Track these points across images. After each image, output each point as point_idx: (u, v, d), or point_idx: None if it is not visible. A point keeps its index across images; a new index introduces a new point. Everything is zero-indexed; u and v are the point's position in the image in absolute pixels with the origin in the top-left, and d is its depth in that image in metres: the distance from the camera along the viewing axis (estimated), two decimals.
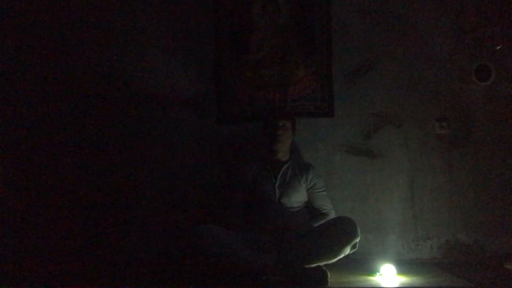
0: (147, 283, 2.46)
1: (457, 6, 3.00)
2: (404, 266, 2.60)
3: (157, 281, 2.49)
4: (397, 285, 2.32)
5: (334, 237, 2.33)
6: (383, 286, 2.32)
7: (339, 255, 2.35)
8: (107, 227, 2.94)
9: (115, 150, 3.00)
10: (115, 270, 2.77)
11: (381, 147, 2.98)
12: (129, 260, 2.89)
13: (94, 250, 2.92)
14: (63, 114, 3.03)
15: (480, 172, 2.93)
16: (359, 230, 2.35)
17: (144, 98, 3.03)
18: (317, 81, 3.00)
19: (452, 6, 3.00)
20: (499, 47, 2.96)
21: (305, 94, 3.00)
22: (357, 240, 2.35)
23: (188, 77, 3.04)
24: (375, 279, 2.43)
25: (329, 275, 2.28)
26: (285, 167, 2.69)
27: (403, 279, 2.40)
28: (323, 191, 2.70)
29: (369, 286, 2.31)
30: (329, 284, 2.26)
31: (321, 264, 2.34)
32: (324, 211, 2.65)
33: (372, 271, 2.50)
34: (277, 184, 2.64)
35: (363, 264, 2.66)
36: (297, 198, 2.63)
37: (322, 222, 2.52)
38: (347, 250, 2.36)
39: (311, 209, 2.68)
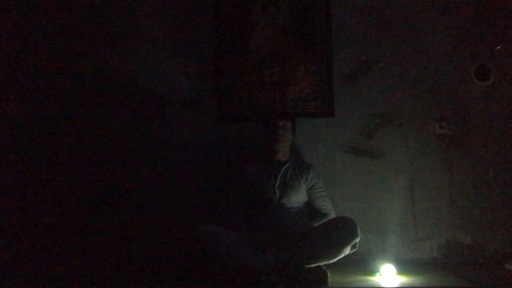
0: (147, 283, 2.46)
1: (457, 6, 3.00)
2: (404, 266, 2.60)
3: (157, 281, 2.49)
4: (397, 285, 2.32)
5: (334, 237, 2.33)
6: (383, 286, 2.32)
7: (339, 255, 2.35)
8: (107, 227, 2.94)
9: (115, 150, 3.00)
10: (115, 270, 2.77)
11: (381, 147, 2.98)
12: (129, 260, 2.89)
13: (94, 250, 2.91)
14: (63, 114, 3.03)
15: (480, 172, 2.93)
16: (359, 230, 2.35)
17: (144, 98, 3.03)
18: (317, 81, 3.00)
19: (452, 6, 3.00)
20: (499, 47, 2.96)
21: (305, 94, 3.00)
22: (357, 240, 2.35)
23: (188, 77, 3.04)
24: (375, 279, 2.43)
25: (329, 275, 2.28)
26: (285, 167, 2.69)
27: (403, 279, 2.40)
28: (323, 191, 2.70)
29: (369, 286, 2.31)
30: (329, 284, 2.26)
31: (321, 264, 2.34)
32: (324, 211, 2.64)
33: (372, 271, 2.50)
34: (277, 184, 2.64)
35: (363, 264, 2.67)
36: (297, 198, 2.63)
37: (322, 222, 2.52)
38: (347, 250, 2.36)
39: (311, 209, 2.68)
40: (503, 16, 2.97)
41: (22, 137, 3.02)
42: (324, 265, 2.34)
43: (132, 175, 2.98)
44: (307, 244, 2.33)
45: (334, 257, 2.35)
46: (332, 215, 2.63)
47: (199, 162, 2.98)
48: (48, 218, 2.95)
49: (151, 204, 2.97)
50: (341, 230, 2.35)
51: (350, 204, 2.93)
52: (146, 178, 2.98)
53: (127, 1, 3.08)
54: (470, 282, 2.33)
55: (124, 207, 2.96)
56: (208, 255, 2.30)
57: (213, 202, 2.91)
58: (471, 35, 2.99)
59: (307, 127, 2.97)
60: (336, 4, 3.02)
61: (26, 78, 3.05)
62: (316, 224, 2.51)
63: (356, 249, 2.39)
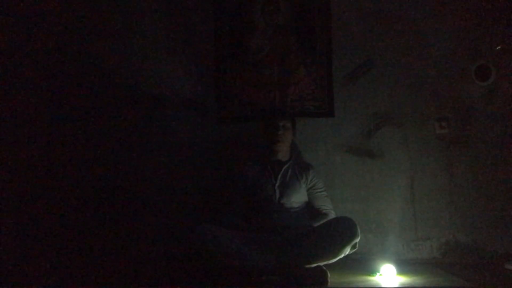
0: (147, 283, 2.46)
1: (457, 6, 3.00)
2: (404, 266, 2.60)
3: (157, 281, 2.49)
4: (397, 285, 2.32)
5: (334, 237, 2.33)
6: (383, 286, 2.32)
7: (339, 255, 2.35)
8: (106, 227, 2.94)
9: (115, 150, 3.00)
10: (115, 270, 2.77)
11: (381, 147, 2.98)
12: (129, 260, 2.89)
13: (93, 250, 2.91)
14: (63, 114, 3.03)
15: (480, 172, 2.93)
16: (359, 230, 2.35)
17: (144, 98, 3.03)
18: (317, 81, 3.00)
19: (452, 6, 3.00)
20: (499, 47, 2.96)
21: (305, 94, 3.00)
22: (357, 240, 2.35)
23: (188, 77, 3.04)
24: (375, 279, 2.43)
25: (329, 275, 2.28)
26: (285, 167, 2.69)
27: (403, 279, 2.40)
28: (323, 191, 2.70)
29: (369, 286, 2.31)
30: (329, 284, 2.26)
31: (321, 264, 2.34)
32: (324, 211, 2.65)
33: (372, 271, 2.50)
34: (277, 184, 2.64)
35: (363, 264, 2.67)
36: (297, 199, 2.63)
37: (322, 222, 2.52)
38: (347, 250, 2.36)
39: (311, 209, 2.68)
40: (503, 16, 2.97)
41: (22, 137, 3.02)
42: (324, 265, 2.34)
43: (132, 175, 2.98)
44: (307, 244, 2.33)
45: (334, 257, 2.34)
46: (332, 215, 2.63)
47: (199, 162, 2.98)
48: (48, 218, 2.95)
49: (151, 204, 2.97)
50: (341, 230, 2.34)
51: (350, 204, 2.93)
52: (146, 178, 2.98)
53: (127, 1, 3.08)
54: (470, 282, 2.33)
55: (124, 207, 2.96)
56: (208, 255, 2.30)
57: (213, 202, 2.91)
58: (471, 35, 2.99)
59: (307, 127, 2.97)
60: (336, 4, 3.02)
61: (26, 78, 3.05)
62: (316, 224, 2.51)
63: (356, 249, 2.39)
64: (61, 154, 3.00)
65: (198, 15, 3.06)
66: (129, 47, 3.05)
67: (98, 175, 2.98)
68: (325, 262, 2.35)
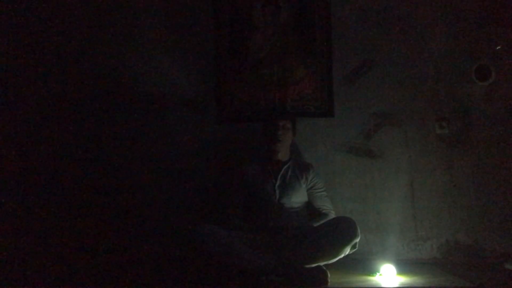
0: (147, 283, 2.46)
1: (457, 6, 3.00)
2: (404, 266, 2.60)
3: (157, 281, 2.49)
4: (397, 285, 2.32)
5: (334, 237, 2.33)
6: (383, 286, 2.32)
7: (339, 255, 2.35)
8: (106, 227, 2.94)
9: (115, 149, 3.00)
10: (115, 270, 2.77)
11: (381, 147, 2.98)
12: (129, 260, 2.89)
13: (93, 250, 2.91)
14: (63, 114, 3.03)
15: (480, 172, 2.93)
16: (359, 230, 2.36)
17: (144, 98, 3.03)
18: (317, 81, 3.00)
19: (452, 6, 3.00)
20: (499, 47, 2.96)
21: (305, 94, 3.00)
22: (357, 240, 2.36)
23: (188, 77, 3.04)
24: (375, 279, 2.43)
25: (329, 275, 2.28)
26: (285, 167, 2.69)
27: (403, 279, 2.40)
28: (323, 191, 2.70)
29: (369, 286, 2.31)
30: (329, 284, 2.26)
31: (321, 264, 2.34)
32: (324, 211, 2.65)
33: (372, 271, 2.50)
34: (277, 184, 2.64)
35: (363, 264, 2.66)
36: (297, 199, 2.63)
37: (322, 222, 2.52)
38: (347, 250, 2.36)
39: (311, 209, 2.68)
40: (503, 16, 2.97)
41: (22, 137, 3.02)
42: (324, 265, 2.34)
43: (132, 175, 2.98)
44: (307, 244, 2.33)
45: (334, 257, 2.35)
46: (332, 215, 2.63)
47: (199, 162, 2.98)
48: (48, 218, 2.95)
49: (151, 204, 2.97)
50: (341, 230, 2.35)
51: (350, 204, 2.93)
52: (146, 178, 2.98)
53: (127, 1, 3.08)
54: (470, 282, 2.33)
55: (123, 207, 2.96)
56: (208, 255, 2.30)
57: (213, 202, 2.91)
58: (471, 35, 2.99)
59: (307, 127, 2.97)
60: (336, 4, 3.02)
61: (26, 78, 3.05)
62: (316, 224, 2.51)
63: (356, 249, 2.40)
64: (60, 154, 3.00)
65: (198, 15, 3.06)
66: (129, 47, 3.05)
67: (97, 175, 2.98)
68: (325, 262, 2.35)
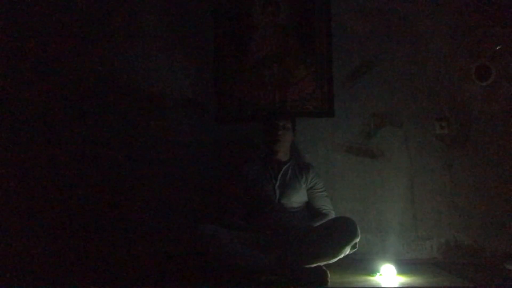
0: (147, 283, 2.46)
1: (456, 6, 3.00)
2: (404, 266, 2.60)
3: (157, 281, 2.49)
4: (397, 285, 2.32)
5: (334, 237, 2.33)
6: (383, 286, 2.32)
7: (339, 255, 2.35)
8: (106, 227, 2.94)
9: (115, 149, 3.00)
10: (115, 270, 2.77)
11: (381, 147, 2.98)
12: (129, 260, 2.89)
13: (93, 250, 2.91)
14: (62, 114, 3.03)
15: (480, 172, 2.93)
16: (359, 230, 2.35)
17: (144, 98, 3.03)
18: (317, 81, 3.00)
19: (452, 6, 3.00)
20: (499, 47, 2.96)
21: (305, 94, 3.00)
22: (357, 240, 2.35)
23: (188, 77, 3.04)
24: (375, 279, 2.43)
25: (329, 275, 2.28)
26: (285, 167, 2.69)
27: (403, 279, 2.40)
28: (323, 191, 2.70)
29: (369, 286, 2.31)
30: (329, 284, 2.26)
31: (321, 264, 2.34)
32: (324, 211, 2.64)
33: (372, 271, 2.50)
34: (277, 184, 2.64)
35: (363, 264, 2.66)
36: (297, 199, 2.63)
37: (322, 222, 2.52)
38: (347, 250, 2.36)
39: (311, 209, 2.68)
40: (503, 15, 2.97)
41: (22, 136, 3.02)
42: (324, 265, 2.34)
43: (131, 175, 2.98)
44: (307, 244, 2.33)
45: (334, 257, 2.35)
46: (332, 215, 2.63)
47: (199, 162, 2.98)
48: (48, 218, 2.95)
49: (151, 203, 2.97)
50: (341, 230, 2.35)
51: (350, 204, 2.93)
52: (146, 177, 2.98)
53: (127, 0, 3.08)
54: (470, 282, 2.33)
55: (123, 207, 2.96)
56: (208, 255, 2.30)
57: (213, 202, 2.91)
58: (471, 35, 2.99)
59: (307, 127, 2.97)
60: (336, 4, 3.02)
61: (26, 78, 3.05)
62: (316, 224, 2.51)
63: (356, 249, 2.39)
64: (60, 154, 3.00)
65: (198, 15, 3.06)
66: (128, 46, 3.05)
67: (96, 175, 2.98)
68: (325, 262, 2.35)
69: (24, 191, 2.99)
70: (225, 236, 2.35)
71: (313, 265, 2.32)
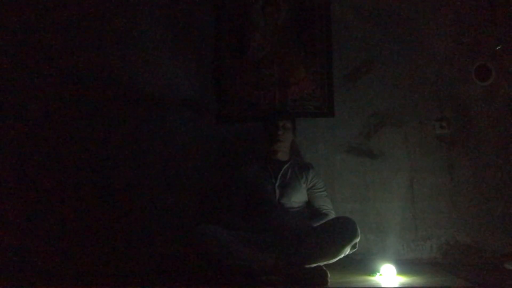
0: (147, 283, 2.46)
1: (457, 6, 3.00)
2: (404, 266, 2.60)
3: (157, 281, 2.49)
4: (397, 285, 2.32)
5: (334, 237, 2.33)
6: (383, 286, 2.32)
7: (339, 255, 2.35)
8: (106, 227, 2.94)
9: (115, 150, 3.00)
10: (115, 270, 2.77)
11: (381, 147, 2.98)
12: (129, 260, 2.89)
13: (93, 250, 2.91)
14: (63, 114, 3.03)
15: (480, 172, 2.93)
16: (359, 230, 2.36)
17: (144, 98, 3.02)
18: (317, 81, 3.00)
19: (452, 6, 3.00)
20: (499, 47, 2.96)
21: (305, 94, 3.00)
22: (357, 240, 2.36)
23: (188, 77, 3.04)
24: (375, 279, 2.43)
25: (329, 275, 2.28)
26: (285, 167, 2.69)
27: (403, 279, 2.40)
28: (323, 191, 2.70)
29: (369, 286, 2.31)
30: (329, 284, 2.26)
31: (321, 264, 2.34)
32: (324, 211, 2.64)
33: (372, 271, 2.50)
34: (277, 184, 2.64)
35: (363, 264, 2.67)
36: (297, 198, 2.63)
37: (322, 222, 2.52)
38: (347, 250, 2.36)
39: (311, 209, 2.68)
40: (503, 16, 2.97)
41: (22, 137, 3.02)
42: (324, 265, 2.34)
43: (131, 175, 2.98)
44: (307, 244, 2.33)
45: (334, 257, 2.35)
46: (332, 215, 2.63)
47: (199, 162, 2.98)
48: (48, 218, 2.95)
49: (151, 204, 2.96)
50: (341, 230, 2.35)
51: (350, 204, 2.93)
52: (146, 178, 2.98)
53: (127, 1, 3.08)
54: (470, 282, 2.33)
55: (123, 207, 2.96)
56: (208, 255, 2.30)
57: (213, 202, 2.91)
58: (471, 35, 2.99)
59: (307, 127, 2.97)
60: (336, 4, 3.03)
61: (25, 78, 3.05)
62: (316, 224, 2.51)
63: (356, 249, 2.40)
64: (60, 154, 3.00)
65: (198, 15, 3.06)
66: (129, 47, 3.05)
67: (96, 175, 2.98)
68: (325, 262, 2.35)
69: (24, 191, 2.98)
70: (225, 236, 2.35)
71: (313, 265, 2.32)
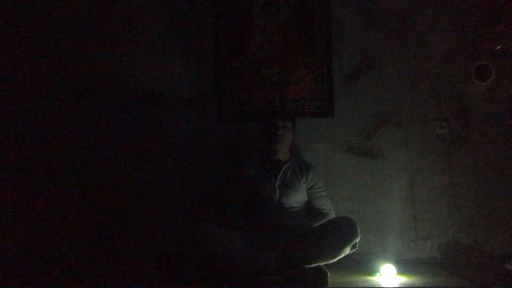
0: (147, 283, 2.46)
1: (457, 6, 3.00)
2: (404, 266, 2.60)
3: (158, 281, 2.49)
4: (397, 285, 2.32)
5: (334, 237, 2.33)
6: (383, 286, 2.32)
7: (339, 255, 2.35)
8: (107, 227, 2.94)
9: (115, 150, 3.00)
10: (115, 270, 2.77)
11: (381, 147, 2.98)
12: (129, 260, 2.89)
13: (93, 250, 2.91)
14: (63, 114, 3.03)
15: (480, 172, 2.93)
16: (359, 230, 2.36)
17: (144, 98, 3.02)
18: (317, 81, 3.00)
19: (452, 6, 3.00)
20: (499, 47, 2.96)
21: (305, 94, 3.00)
22: (357, 240, 2.36)
23: (188, 77, 3.04)
24: (375, 279, 2.43)
25: (329, 275, 2.28)
26: (285, 167, 2.69)
27: (403, 279, 2.40)
28: (323, 191, 2.70)
29: (369, 286, 2.31)
30: (329, 284, 2.26)
31: (321, 264, 2.34)
32: (324, 211, 2.65)
33: (372, 271, 2.50)
34: (277, 184, 2.64)
35: (363, 264, 2.66)
36: (297, 198, 2.63)
37: (322, 222, 2.52)
38: (347, 250, 2.36)
39: (311, 209, 2.68)
40: (503, 16, 2.97)
41: (21, 138, 3.02)
42: (324, 265, 2.34)
43: (131, 175, 2.98)
44: (307, 244, 2.33)
45: (334, 257, 2.35)
46: (332, 215, 2.63)
47: (199, 162, 2.98)
48: (47, 218, 2.95)
49: (151, 204, 2.96)
50: (341, 230, 2.35)
51: (350, 204, 2.93)
52: (146, 178, 2.98)
53: (127, 1, 3.07)
54: (470, 282, 2.33)
55: (123, 207, 2.96)
56: (208, 255, 2.30)
57: (213, 202, 2.91)
58: (471, 35, 2.99)
59: (307, 127, 2.97)
60: (336, 4, 3.02)
61: (24, 79, 3.04)
62: (316, 224, 2.51)
63: (356, 249, 2.40)
64: (60, 154, 3.00)
65: (198, 15, 3.06)
66: (128, 46, 3.05)
67: (96, 175, 2.98)
68: (325, 262, 2.35)
69: (24, 191, 2.98)
70: (225, 236, 2.35)
71: (313, 265, 2.32)
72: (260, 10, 3.05)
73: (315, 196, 2.68)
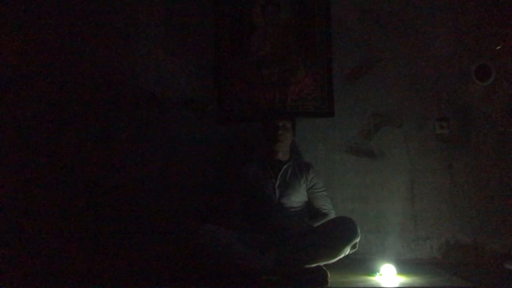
0: (147, 283, 2.46)
1: (457, 6, 3.00)
2: (404, 266, 2.60)
3: (157, 281, 2.49)
4: (397, 285, 2.32)
5: (334, 237, 2.33)
6: (383, 286, 2.32)
7: (339, 255, 2.35)
8: (107, 227, 2.94)
9: (115, 150, 3.00)
10: (115, 270, 2.77)
11: (381, 147, 2.98)
12: (129, 260, 2.89)
13: (94, 250, 2.91)
14: (63, 114, 3.03)
15: (480, 172, 2.93)
16: (359, 230, 2.36)
17: (144, 98, 3.02)
18: (317, 81, 3.00)
19: (452, 6, 3.00)
20: (499, 47, 2.96)
21: (305, 94, 3.00)
22: (357, 240, 2.36)
23: (188, 77, 3.04)
24: (375, 279, 2.43)
25: (329, 275, 2.28)
26: (285, 167, 2.69)
27: (403, 279, 2.40)
28: (323, 191, 2.70)
29: (369, 286, 2.31)
30: (329, 284, 2.26)
31: (321, 264, 2.34)
32: (324, 211, 2.64)
33: (372, 271, 2.50)
34: (277, 184, 2.64)
35: (363, 264, 2.67)
36: (297, 198, 2.63)
37: (322, 222, 2.52)
38: (347, 250, 2.36)
39: (311, 209, 2.68)
40: (503, 16, 2.97)
41: (21, 137, 3.02)
42: (324, 265, 2.34)
43: (131, 175, 2.98)
44: (307, 244, 2.33)
45: (334, 257, 2.34)
46: (332, 215, 2.63)
47: (199, 162, 2.98)
48: (47, 218, 2.95)
49: (151, 204, 2.96)
50: (341, 230, 2.35)
51: (350, 204, 2.93)
52: (146, 178, 2.98)
53: (127, 1, 3.08)
54: (470, 282, 2.33)
55: (123, 207, 2.96)
56: (208, 255, 2.30)
57: (213, 202, 2.91)
58: (471, 35, 2.99)
59: (307, 127, 2.97)
60: (336, 4, 3.02)
61: (25, 78, 3.05)
62: (316, 224, 2.51)
63: (356, 249, 2.39)
64: (60, 154, 3.00)
65: (198, 15, 3.06)
66: (129, 46, 3.05)
67: (96, 175, 2.98)
68: (325, 262, 2.35)
69: (24, 191, 2.98)
70: (225, 236, 2.35)
71: (313, 265, 2.32)
72: (260, 10, 3.05)
73: (315, 196, 2.68)
